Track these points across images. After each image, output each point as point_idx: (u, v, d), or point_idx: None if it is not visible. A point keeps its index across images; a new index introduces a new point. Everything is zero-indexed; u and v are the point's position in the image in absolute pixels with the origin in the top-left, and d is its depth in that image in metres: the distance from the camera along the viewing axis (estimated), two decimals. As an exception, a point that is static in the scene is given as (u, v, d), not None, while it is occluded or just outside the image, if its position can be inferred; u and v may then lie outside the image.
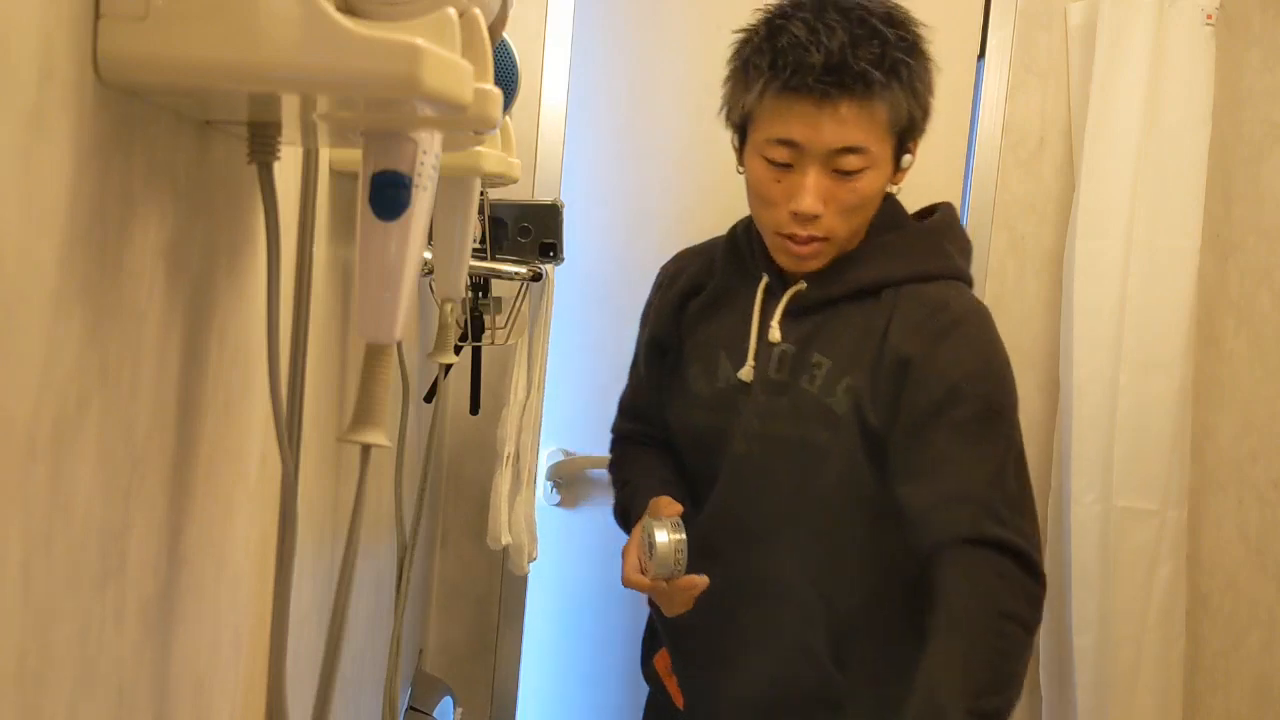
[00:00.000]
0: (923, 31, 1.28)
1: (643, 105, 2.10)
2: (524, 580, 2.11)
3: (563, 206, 1.53)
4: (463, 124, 0.55)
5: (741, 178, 1.34)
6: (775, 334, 1.34)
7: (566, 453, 2.12)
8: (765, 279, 1.37)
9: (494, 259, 1.47)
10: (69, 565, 0.44)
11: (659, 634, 1.51)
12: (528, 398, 1.64)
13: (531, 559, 1.73)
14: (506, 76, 0.99)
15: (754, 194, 1.32)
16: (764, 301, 1.37)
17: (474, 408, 1.64)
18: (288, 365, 0.77)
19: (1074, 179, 2.06)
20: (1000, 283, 2.11)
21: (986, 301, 1.50)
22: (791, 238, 1.29)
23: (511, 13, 0.63)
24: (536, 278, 1.50)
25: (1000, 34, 2.08)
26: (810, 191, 1.25)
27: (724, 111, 1.34)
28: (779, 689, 1.36)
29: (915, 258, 1.34)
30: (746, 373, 1.35)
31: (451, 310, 0.96)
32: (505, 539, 1.65)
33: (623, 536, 1.43)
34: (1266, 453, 2.16)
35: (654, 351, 1.49)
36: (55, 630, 0.43)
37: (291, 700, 0.70)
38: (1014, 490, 1.25)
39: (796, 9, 1.25)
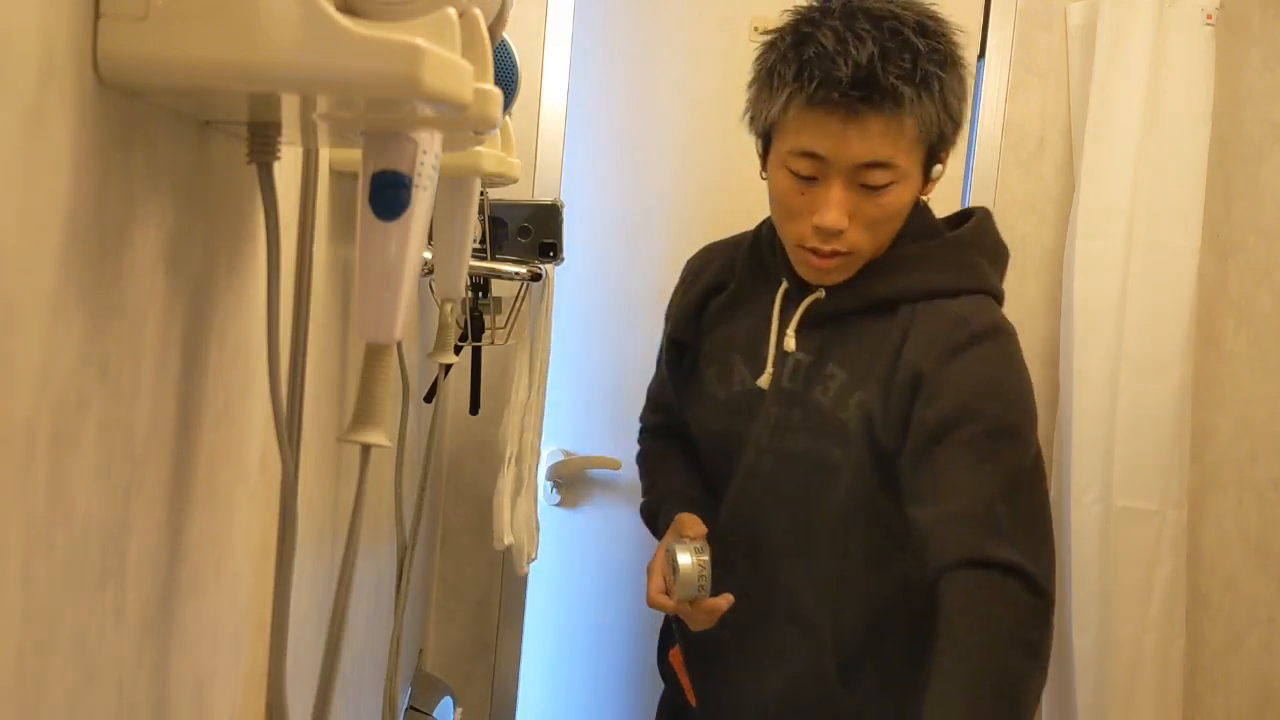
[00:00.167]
0: (959, 38, 1.21)
1: (643, 105, 2.10)
2: (524, 580, 2.11)
3: (563, 206, 1.53)
4: (463, 124, 0.55)
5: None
6: (791, 343, 1.30)
7: (566, 453, 2.11)
8: (785, 285, 1.33)
9: (494, 259, 1.47)
10: (69, 565, 0.44)
11: (673, 630, 1.51)
12: (529, 398, 1.64)
13: (531, 559, 1.73)
14: (506, 76, 0.99)
15: (777, 205, 1.28)
16: (782, 308, 1.33)
17: (474, 408, 1.64)
18: (288, 365, 0.77)
19: (1074, 179, 2.06)
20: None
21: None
22: (814, 251, 1.25)
23: (511, 13, 0.63)
24: (536, 278, 1.50)
25: (1000, 34, 2.08)
26: (834, 206, 1.20)
27: (747, 117, 1.29)
28: (784, 706, 1.35)
29: (935, 272, 1.28)
30: (765, 380, 1.32)
31: (451, 310, 0.96)
32: (508, 539, 1.65)
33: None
34: (1266, 453, 2.16)
35: (673, 352, 1.47)
36: (55, 630, 0.43)
37: (291, 700, 0.70)
38: (1024, 510, 1.20)
39: (825, 15, 1.18)
